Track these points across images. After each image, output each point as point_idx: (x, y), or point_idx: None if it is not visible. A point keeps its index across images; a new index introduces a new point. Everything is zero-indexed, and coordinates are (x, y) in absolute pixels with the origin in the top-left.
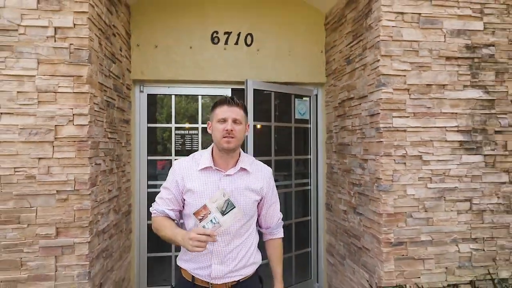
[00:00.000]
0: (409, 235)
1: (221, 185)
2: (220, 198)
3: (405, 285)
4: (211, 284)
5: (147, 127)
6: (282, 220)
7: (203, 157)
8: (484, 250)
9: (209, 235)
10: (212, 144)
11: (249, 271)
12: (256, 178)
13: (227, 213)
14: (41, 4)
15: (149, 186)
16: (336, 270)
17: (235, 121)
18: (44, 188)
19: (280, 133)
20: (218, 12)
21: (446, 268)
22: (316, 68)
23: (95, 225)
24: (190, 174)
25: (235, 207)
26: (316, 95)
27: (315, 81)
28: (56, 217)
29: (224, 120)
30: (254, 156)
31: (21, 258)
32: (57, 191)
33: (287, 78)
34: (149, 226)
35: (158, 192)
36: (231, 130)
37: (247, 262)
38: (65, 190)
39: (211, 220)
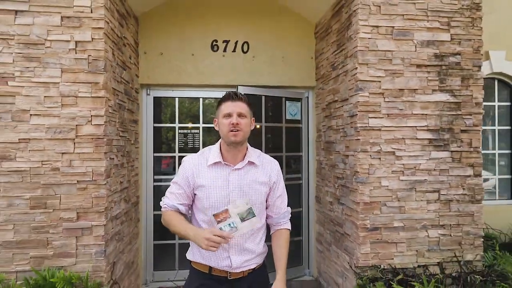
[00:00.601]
0: (383, 221)
1: (230, 179)
2: (243, 206)
3: (380, 265)
4: (230, 273)
5: (153, 126)
6: (289, 213)
7: (211, 152)
8: (451, 236)
9: (224, 238)
10: (220, 140)
11: (261, 259)
12: (264, 170)
13: (246, 220)
14: (64, 22)
15: (155, 180)
16: (324, 256)
17: (240, 115)
18: (67, 179)
19: (272, 133)
20: (218, 22)
21: (417, 251)
22: (307, 73)
23: (109, 211)
24: (200, 170)
25: (255, 216)
26: (307, 98)
27: (306, 84)
28: (77, 203)
29: (229, 115)
30: None
31: (47, 238)
32: (77, 181)
33: (280, 82)
34: (155, 216)
35: (163, 185)
36: (237, 124)
37: (261, 251)
38: (84, 180)
39: (229, 224)
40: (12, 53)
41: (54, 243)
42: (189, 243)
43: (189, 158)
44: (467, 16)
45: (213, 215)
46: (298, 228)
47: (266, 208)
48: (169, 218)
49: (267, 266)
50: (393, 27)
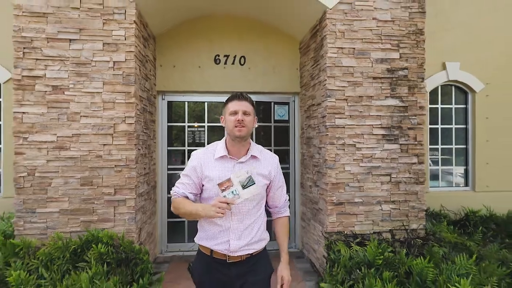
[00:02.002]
0: (346, 198)
1: (234, 171)
2: (244, 175)
3: (344, 231)
4: (228, 256)
5: (167, 125)
6: (288, 201)
7: (218, 147)
8: (399, 209)
9: (228, 204)
10: (225, 136)
11: (260, 246)
12: (265, 164)
13: (247, 187)
14: (105, 47)
15: (168, 169)
16: (306, 231)
17: (244, 113)
18: (107, 163)
19: (263, 131)
20: (220, 40)
21: (373, 221)
22: (293, 82)
23: (137, 189)
24: (207, 162)
25: (254, 183)
26: (294, 101)
27: (292, 91)
28: (114, 182)
29: (235, 112)
30: None
31: (93, 207)
32: (115, 165)
33: (271, 89)
34: (169, 199)
35: (175, 174)
36: (242, 120)
37: (259, 238)
38: (119, 165)
39: (232, 192)
40: (67, 71)
41: (98, 211)
42: (197, 222)
43: (197, 152)
44: (413, 39)
45: (218, 184)
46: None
47: (267, 198)
48: (179, 203)
49: (268, 255)
50: (354, 48)
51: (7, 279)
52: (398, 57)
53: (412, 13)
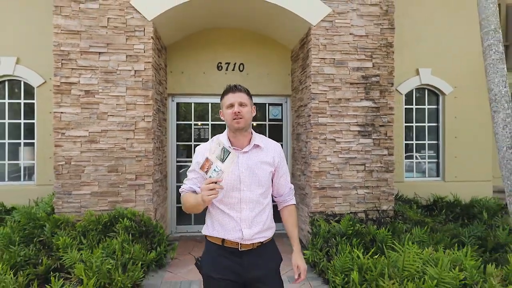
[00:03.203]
0: (328, 183)
1: (239, 162)
2: (217, 148)
3: (325, 211)
4: (241, 244)
5: (176, 123)
6: (293, 189)
7: (220, 140)
8: (372, 193)
9: (215, 183)
10: (227, 129)
11: (270, 234)
12: (268, 152)
13: (225, 159)
14: (128, 58)
15: (177, 161)
16: (297, 213)
17: (241, 104)
18: (129, 154)
19: (259, 128)
20: (222, 50)
21: (350, 203)
22: (285, 85)
23: (153, 175)
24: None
25: (230, 152)
26: (286, 103)
27: (284, 93)
28: (135, 169)
29: (231, 105)
30: None
31: (118, 190)
32: (136, 156)
33: (266, 92)
34: (177, 187)
35: (183, 165)
36: (239, 112)
37: (268, 226)
38: (140, 155)
39: (214, 169)
40: (97, 78)
41: (122, 193)
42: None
43: (201, 146)
44: (384, 51)
45: (200, 168)
46: None
47: (273, 187)
48: (185, 198)
49: (275, 244)
50: (334, 58)
51: (54, 244)
52: (371, 66)
53: (383, 29)
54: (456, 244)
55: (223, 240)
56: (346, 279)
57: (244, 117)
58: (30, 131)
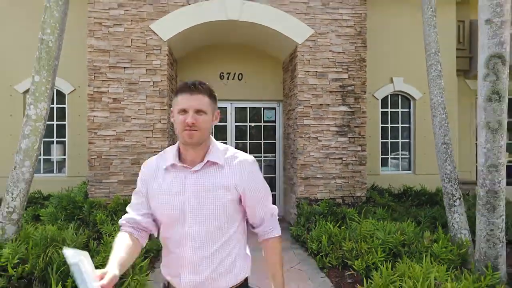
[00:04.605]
0: (311, 174)
1: (187, 183)
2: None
3: (309, 197)
4: None
5: None
6: (276, 214)
7: (168, 153)
8: (348, 182)
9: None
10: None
11: (230, 282)
12: (231, 172)
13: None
14: (147, 72)
15: None
16: (286, 201)
17: (197, 111)
18: (149, 150)
19: (256, 129)
20: (223, 62)
21: (329, 190)
22: (278, 92)
23: None
24: (157, 174)
25: (74, 265)
26: (279, 107)
27: (277, 99)
28: None
29: (184, 111)
30: (236, 142)
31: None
32: (154, 151)
33: (262, 97)
34: None
35: None
36: (193, 123)
37: (227, 270)
38: (157, 151)
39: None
40: (122, 88)
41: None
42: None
43: (146, 161)
44: (357, 65)
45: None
46: (274, 187)
47: (247, 215)
48: (116, 241)
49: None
50: (316, 71)
51: (91, 220)
52: (347, 77)
53: (357, 46)
54: (413, 222)
55: (168, 283)
56: (320, 245)
57: (200, 128)
58: (60, 131)
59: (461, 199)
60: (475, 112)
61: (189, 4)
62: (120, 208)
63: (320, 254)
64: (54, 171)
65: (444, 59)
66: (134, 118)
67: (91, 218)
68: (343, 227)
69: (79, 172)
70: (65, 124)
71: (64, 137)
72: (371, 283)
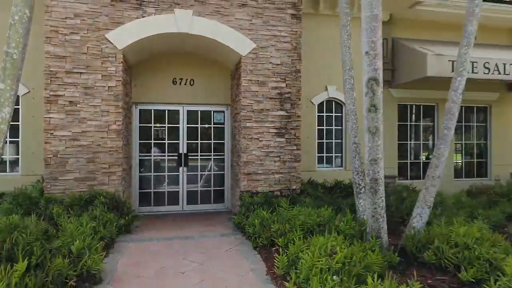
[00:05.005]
0: (253, 170)
1: None
2: None
3: (251, 190)
4: None
5: (139, 126)
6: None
7: None
8: (285, 177)
9: None
10: None
11: None
12: None
13: None
14: (103, 77)
15: (139, 156)
16: (232, 195)
17: None
18: (104, 149)
19: (207, 130)
20: (176, 68)
21: (269, 184)
22: (226, 97)
23: (122, 165)
24: None
25: None
26: (228, 110)
27: (226, 103)
28: (108, 160)
29: None
30: (188, 142)
31: (95, 176)
32: (109, 150)
33: (212, 102)
34: (140, 177)
35: (144, 160)
36: None
37: None
38: (112, 150)
39: None
40: (79, 91)
41: (98, 179)
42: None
43: None
44: (293, 75)
45: None
46: (222, 183)
47: None
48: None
49: None
50: (258, 80)
51: (49, 213)
52: (285, 86)
53: (293, 59)
54: (336, 209)
55: None
56: (255, 228)
57: None
58: (11, 132)
59: (365, 188)
60: (397, 116)
61: (143, 17)
62: (76, 203)
63: (254, 236)
64: (7, 170)
65: None
66: (89, 119)
67: (47, 212)
68: (274, 213)
69: (33, 171)
70: (18, 124)
71: (17, 137)
72: (287, 252)
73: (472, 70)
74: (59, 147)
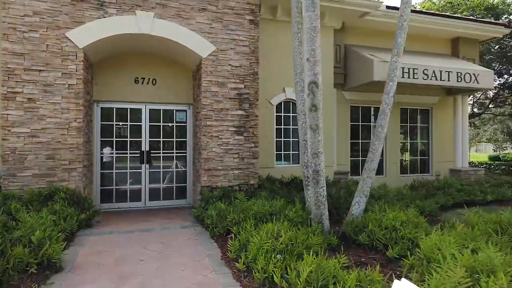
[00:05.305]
0: (213, 166)
1: None
2: None
3: (211, 185)
4: None
5: (101, 123)
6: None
7: None
8: (244, 173)
9: None
10: None
11: None
12: None
13: None
14: (63, 75)
15: (101, 153)
16: (194, 191)
17: None
18: (64, 146)
19: (169, 128)
20: (138, 68)
21: (228, 179)
22: (188, 96)
23: (83, 162)
24: None
25: None
26: (190, 109)
27: (188, 102)
28: (69, 157)
29: None
30: (151, 140)
31: (55, 172)
32: (69, 147)
33: (174, 101)
34: (101, 174)
35: (107, 157)
36: None
37: None
38: (72, 147)
39: None
40: (38, 89)
41: (58, 175)
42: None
43: None
44: (252, 77)
45: None
46: (184, 179)
47: None
48: None
49: None
50: (218, 81)
51: (7, 208)
52: (243, 87)
53: (251, 62)
54: (288, 201)
55: None
56: (213, 219)
57: None
58: None
59: (309, 178)
60: (349, 117)
61: (104, 17)
62: (35, 198)
63: (212, 226)
64: None
65: (324, 75)
66: (49, 117)
67: (5, 208)
68: (231, 205)
69: None
70: None
71: None
72: (239, 238)
73: (413, 76)
74: (17, 143)
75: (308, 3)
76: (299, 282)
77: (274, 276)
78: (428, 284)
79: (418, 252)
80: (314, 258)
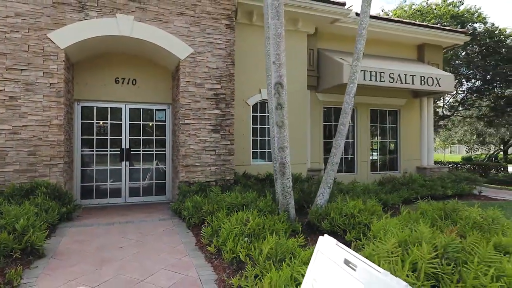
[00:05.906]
0: (191, 163)
1: None
2: None
3: (189, 181)
4: None
5: (81, 122)
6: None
7: None
8: (220, 169)
9: None
10: None
11: None
12: None
13: None
14: (45, 74)
15: (81, 151)
16: (173, 187)
17: None
18: (45, 142)
19: (149, 127)
20: (119, 68)
21: (205, 175)
22: (167, 96)
23: (64, 158)
24: None
25: None
26: (169, 109)
27: (167, 102)
28: (50, 153)
29: None
30: (131, 138)
31: (36, 168)
32: (50, 143)
33: (154, 100)
34: (81, 171)
35: (87, 155)
36: None
37: None
38: (53, 143)
39: None
40: (20, 87)
41: (40, 171)
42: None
43: None
44: (228, 79)
45: None
46: (163, 176)
47: None
48: None
49: None
50: (196, 82)
51: None
52: (220, 88)
53: (228, 64)
54: (261, 194)
55: None
56: (189, 211)
57: None
58: None
59: (276, 170)
60: (323, 117)
61: (85, 19)
62: (16, 193)
63: (188, 217)
64: None
65: (298, 78)
66: (30, 114)
67: None
68: (206, 198)
69: None
70: None
71: None
72: (212, 225)
73: (380, 79)
74: None
75: (273, 12)
76: (261, 258)
77: (240, 255)
78: (364, 252)
79: (370, 234)
80: (278, 239)
